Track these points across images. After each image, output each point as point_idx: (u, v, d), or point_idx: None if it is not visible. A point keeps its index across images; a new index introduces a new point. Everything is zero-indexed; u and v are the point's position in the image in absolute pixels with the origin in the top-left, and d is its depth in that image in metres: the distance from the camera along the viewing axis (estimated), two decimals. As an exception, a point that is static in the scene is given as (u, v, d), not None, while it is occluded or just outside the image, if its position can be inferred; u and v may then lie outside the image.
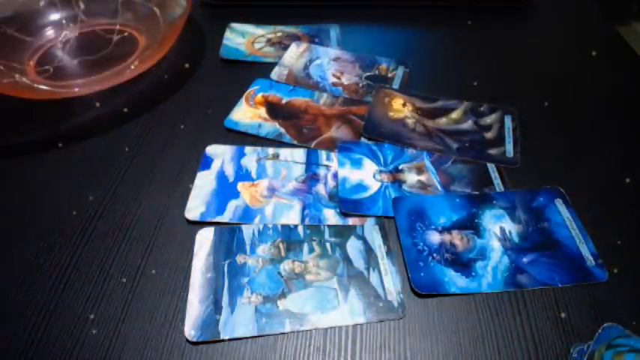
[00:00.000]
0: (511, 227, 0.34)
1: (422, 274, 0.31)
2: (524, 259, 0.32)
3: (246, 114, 0.43)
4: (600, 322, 0.28)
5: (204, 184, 0.36)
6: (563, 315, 0.29)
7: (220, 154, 0.39)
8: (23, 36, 0.49)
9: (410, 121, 0.42)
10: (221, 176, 0.37)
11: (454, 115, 0.43)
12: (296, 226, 0.34)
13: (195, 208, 0.35)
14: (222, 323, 0.28)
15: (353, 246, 0.33)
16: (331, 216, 0.34)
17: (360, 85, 0.46)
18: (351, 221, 0.34)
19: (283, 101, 0.44)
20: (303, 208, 0.35)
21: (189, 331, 0.28)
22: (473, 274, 0.31)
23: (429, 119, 0.42)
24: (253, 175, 0.37)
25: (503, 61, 0.49)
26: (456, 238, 0.33)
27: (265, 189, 0.36)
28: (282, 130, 0.41)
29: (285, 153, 0.39)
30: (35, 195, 0.36)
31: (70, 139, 0.41)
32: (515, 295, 0.30)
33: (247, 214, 0.34)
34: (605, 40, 0.53)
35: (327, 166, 0.38)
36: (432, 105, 0.44)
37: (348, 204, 0.35)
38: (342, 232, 0.33)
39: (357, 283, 0.31)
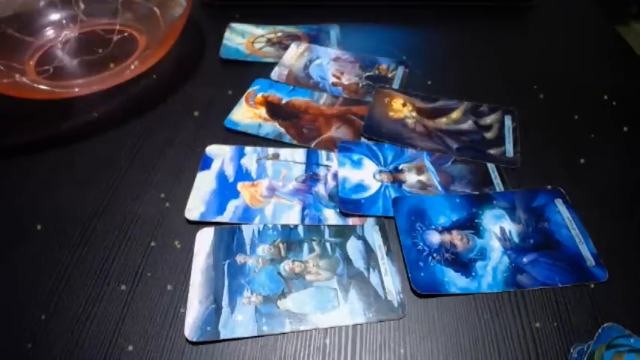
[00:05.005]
0: (511, 227, 0.34)
1: (422, 274, 0.31)
2: (524, 259, 0.32)
3: (246, 114, 0.43)
4: (600, 322, 0.28)
5: (204, 184, 0.36)
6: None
7: (220, 154, 0.39)
8: (23, 36, 0.49)
9: (410, 121, 0.42)
10: (221, 176, 0.37)
11: (454, 115, 0.43)
12: (296, 226, 0.34)
13: (195, 208, 0.35)
14: (222, 323, 0.28)
15: (353, 246, 0.33)
16: (331, 216, 0.34)
17: (360, 85, 0.46)
18: (351, 221, 0.34)
19: (283, 101, 0.44)
20: (303, 208, 0.35)
21: (189, 331, 0.28)
22: (473, 274, 0.31)
23: (428, 119, 0.42)
24: (253, 175, 0.37)
25: (503, 60, 0.49)
26: (456, 238, 0.33)
27: (265, 189, 0.36)
28: (282, 130, 0.41)
29: (285, 153, 0.39)
30: (35, 195, 0.36)
31: (70, 139, 0.41)
32: (515, 295, 0.30)
33: (247, 214, 0.34)
34: (605, 40, 0.53)
35: (327, 166, 0.38)
36: (432, 105, 0.44)
37: (348, 204, 0.35)
38: (342, 232, 0.33)
39: (357, 283, 0.31)
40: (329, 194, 0.36)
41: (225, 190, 0.36)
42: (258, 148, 0.39)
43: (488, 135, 0.41)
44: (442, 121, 0.42)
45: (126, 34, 0.51)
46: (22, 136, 0.41)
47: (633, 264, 0.32)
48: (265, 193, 0.36)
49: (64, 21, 0.51)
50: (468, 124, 0.42)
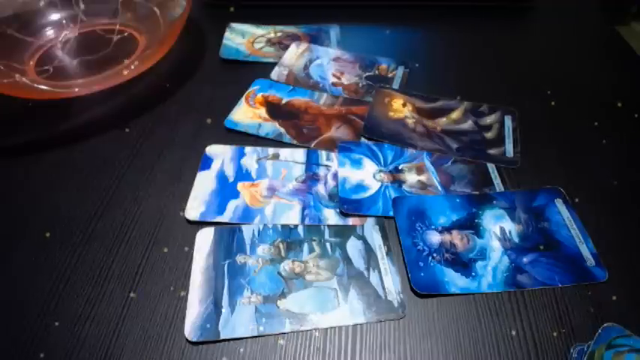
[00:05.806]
0: (511, 227, 0.34)
1: (422, 274, 0.31)
2: (525, 259, 0.32)
3: (246, 114, 0.43)
4: (600, 322, 0.28)
5: (204, 184, 0.36)
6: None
7: (220, 154, 0.39)
8: (23, 36, 0.49)
9: (410, 121, 0.42)
10: (221, 176, 0.37)
11: (454, 115, 0.43)
12: (296, 226, 0.34)
13: (195, 208, 0.34)
14: (222, 323, 0.28)
15: (353, 246, 0.33)
16: (331, 216, 0.34)
17: (360, 85, 0.46)
18: (351, 221, 0.34)
19: (283, 101, 0.44)
20: (303, 208, 0.35)
21: (189, 331, 0.28)
22: (473, 274, 0.31)
23: (428, 119, 0.42)
24: (253, 175, 0.37)
25: (503, 61, 0.49)
26: (456, 238, 0.33)
27: (265, 189, 0.36)
28: (282, 130, 0.41)
29: (285, 153, 0.39)
30: (35, 195, 0.36)
31: (70, 139, 0.41)
32: (515, 295, 0.30)
33: (247, 214, 0.34)
34: (605, 40, 0.53)
35: (327, 166, 0.38)
36: (432, 105, 0.44)
37: (348, 204, 0.35)
38: (342, 232, 0.33)
39: (357, 283, 0.31)
40: (329, 194, 0.36)
41: (225, 190, 0.36)
42: (258, 148, 0.39)
43: (489, 135, 0.41)
44: (442, 121, 0.42)
45: (126, 34, 0.51)
46: (22, 136, 0.41)
47: (633, 264, 0.32)
48: (265, 193, 0.36)
49: (64, 21, 0.51)
50: (468, 124, 0.42)
